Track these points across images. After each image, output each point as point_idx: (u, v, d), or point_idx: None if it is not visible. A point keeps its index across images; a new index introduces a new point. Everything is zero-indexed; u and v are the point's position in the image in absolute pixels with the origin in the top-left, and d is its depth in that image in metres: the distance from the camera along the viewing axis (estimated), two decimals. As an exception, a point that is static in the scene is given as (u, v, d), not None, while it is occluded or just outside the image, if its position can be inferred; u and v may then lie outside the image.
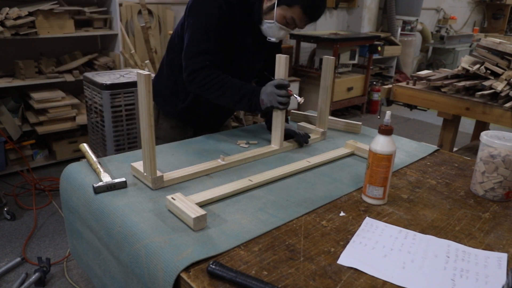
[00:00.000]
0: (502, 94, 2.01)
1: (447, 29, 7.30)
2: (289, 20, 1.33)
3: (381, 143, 1.02)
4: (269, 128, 1.49)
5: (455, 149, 2.65)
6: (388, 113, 1.03)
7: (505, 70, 2.11)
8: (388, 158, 1.02)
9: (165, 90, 1.57)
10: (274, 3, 1.32)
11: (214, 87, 1.35)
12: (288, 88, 1.31)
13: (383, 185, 1.04)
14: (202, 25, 1.35)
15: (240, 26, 1.41)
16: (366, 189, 1.07)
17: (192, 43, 1.37)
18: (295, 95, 1.32)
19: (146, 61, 3.28)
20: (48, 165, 3.27)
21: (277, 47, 1.58)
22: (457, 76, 2.29)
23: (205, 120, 1.63)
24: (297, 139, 1.44)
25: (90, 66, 3.36)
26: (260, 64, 1.58)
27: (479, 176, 1.13)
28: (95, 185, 1.05)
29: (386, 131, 1.02)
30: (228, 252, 0.84)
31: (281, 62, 1.26)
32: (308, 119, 1.66)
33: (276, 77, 1.31)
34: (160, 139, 1.59)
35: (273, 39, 1.41)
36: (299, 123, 1.61)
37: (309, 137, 1.47)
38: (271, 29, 1.38)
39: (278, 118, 1.34)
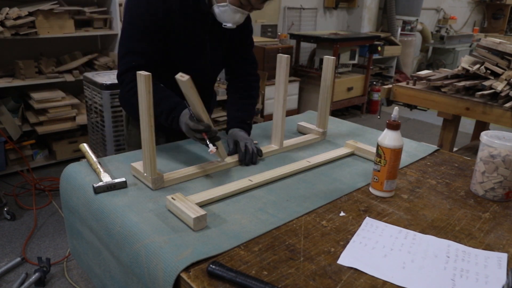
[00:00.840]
0: (502, 94, 2.01)
1: (447, 29, 7.30)
2: (243, 1, 1.24)
3: (394, 138, 1.08)
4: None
5: (455, 149, 2.65)
6: (396, 108, 1.09)
7: (505, 70, 2.11)
8: (401, 151, 1.10)
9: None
10: None
11: (136, 96, 1.16)
12: (203, 133, 1.13)
13: (396, 177, 1.11)
14: (130, 24, 1.26)
15: (192, 21, 1.30)
16: (384, 185, 1.10)
17: (120, 44, 1.29)
18: (208, 143, 1.12)
19: (146, 61, 3.28)
20: (48, 165, 3.27)
21: (243, 39, 1.48)
22: (457, 76, 2.29)
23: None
24: (240, 157, 1.26)
25: (90, 66, 3.36)
26: (221, 62, 1.49)
27: (479, 176, 1.13)
28: (95, 185, 1.05)
29: (396, 126, 1.09)
30: (228, 252, 0.84)
31: (282, 62, 1.26)
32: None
33: (276, 77, 1.30)
34: (131, 146, 1.53)
35: (229, 25, 1.30)
36: (299, 123, 1.61)
37: (261, 155, 1.30)
38: (225, 13, 1.26)
39: (278, 117, 1.34)
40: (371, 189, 1.14)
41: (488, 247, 0.90)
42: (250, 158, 1.26)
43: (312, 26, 5.31)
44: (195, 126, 1.12)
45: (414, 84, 2.43)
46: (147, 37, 1.26)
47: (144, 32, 1.25)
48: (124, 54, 1.27)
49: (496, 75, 2.13)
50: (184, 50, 1.34)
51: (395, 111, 1.09)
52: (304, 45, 5.01)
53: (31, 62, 3.03)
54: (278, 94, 1.30)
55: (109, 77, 2.63)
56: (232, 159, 1.25)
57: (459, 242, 0.91)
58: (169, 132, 1.48)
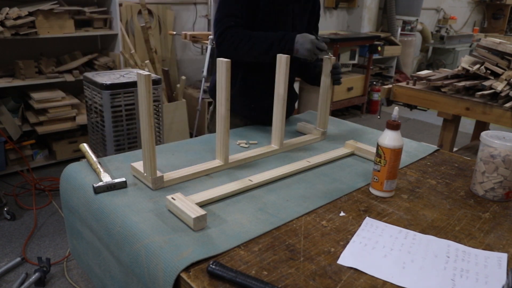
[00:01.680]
0: (502, 94, 2.01)
1: (447, 29, 7.30)
2: None
3: (394, 138, 1.08)
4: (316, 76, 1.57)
5: (455, 149, 2.65)
6: (396, 109, 1.10)
7: (505, 70, 2.11)
8: (401, 151, 1.10)
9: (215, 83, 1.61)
10: None
11: (242, 42, 1.38)
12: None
13: (396, 177, 1.12)
14: None
15: None
16: (384, 185, 1.10)
17: (218, 10, 1.43)
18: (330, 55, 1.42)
19: (146, 61, 3.28)
20: (48, 165, 3.27)
21: (317, 11, 1.65)
22: (457, 76, 2.29)
23: (256, 112, 1.63)
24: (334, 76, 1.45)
25: (90, 66, 3.36)
26: (304, 29, 1.59)
27: (479, 176, 1.13)
28: (95, 185, 1.05)
29: (396, 126, 1.09)
30: (228, 252, 0.84)
31: (282, 62, 1.26)
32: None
33: (276, 77, 1.30)
34: (211, 131, 1.65)
35: None
36: (299, 123, 1.61)
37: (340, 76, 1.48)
38: None
39: (278, 117, 1.34)
40: (371, 189, 1.14)
41: (488, 247, 0.90)
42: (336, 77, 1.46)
43: (312, 26, 5.31)
44: (319, 43, 1.36)
45: (414, 84, 2.43)
46: (245, 4, 1.41)
47: (243, 2, 1.41)
48: (222, 17, 1.42)
49: (496, 75, 2.13)
50: (272, 16, 1.47)
51: (395, 111, 1.10)
52: (304, 45, 5.00)
53: (31, 62, 3.03)
54: (278, 94, 1.30)
55: (109, 77, 2.63)
56: (232, 160, 1.25)
57: (459, 242, 0.91)
58: (247, 116, 1.65)
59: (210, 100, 2.43)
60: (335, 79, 1.45)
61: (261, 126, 1.65)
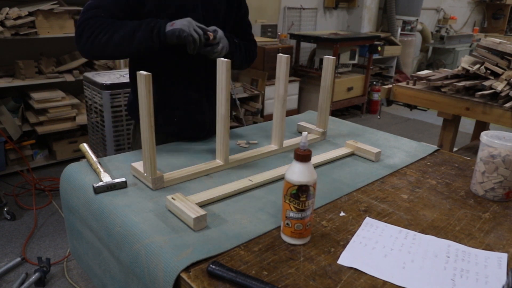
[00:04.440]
0: (502, 94, 2.01)
1: (447, 29, 7.30)
2: None
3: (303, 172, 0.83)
4: None
5: (455, 149, 2.66)
6: (305, 133, 0.85)
7: (505, 70, 2.11)
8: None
9: (133, 95, 1.45)
10: None
11: (104, 29, 1.15)
12: (209, 32, 1.17)
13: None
14: None
15: None
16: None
17: (88, 2, 1.22)
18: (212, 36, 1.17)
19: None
20: (48, 165, 3.27)
21: (240, 5, 1.45)
22: (457, 76, 2.29)
23: (181, 126, 1.41)
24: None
25: (90, 66, 3.36)
26: (221, 25, 1.37)
27: (479, 176, 1.13)
28: (95, 185, 1.05)
29: (305, 157, 0.83)
30: (228, 252, 0.84)
31: (282, 62, 1.26)
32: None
33: (276, 77, 1.29)
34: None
35: None
36: (299, 123, 1.61)
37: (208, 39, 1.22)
38: None
39: (278, 117, 1.34)
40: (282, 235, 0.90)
41: (488, 247, 0.90)
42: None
43: (312, 26, 5.31)
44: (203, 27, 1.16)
45: (414, 84, 2.43)
46: (121, 3, 1.20)
47: (114, 4, 1.20)
48: (86, 9, 1.20)
49: (496, 75, 2.13)
50: (168, 13, 1.25)
51: (303, 137, 0.84)
52: (304, 45, 5.01)
53: (31, 62, 3.03)
54: (278, 94, 1.30)
55: (109, 77, 2.63)
56: (232, 160, 1.25)
57: (459, 242, 0.91)
58: (167, 132, 1.43)
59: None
60: (206, 50, 1.22)
61: (261, 126, 1.65)
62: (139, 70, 0.97)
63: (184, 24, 1.14)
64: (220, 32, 1.25)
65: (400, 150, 1.45)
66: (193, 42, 1.16)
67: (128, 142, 2.65)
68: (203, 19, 1.31)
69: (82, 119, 3.20)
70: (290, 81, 4.26)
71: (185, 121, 1.41)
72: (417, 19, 5.93)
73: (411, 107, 5.37)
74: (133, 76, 1.39)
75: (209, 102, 1.41)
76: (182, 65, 1.35)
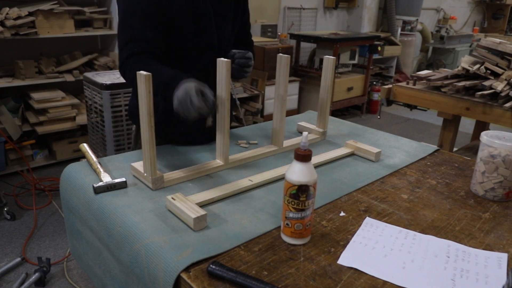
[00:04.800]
0: (502, 94, 2.01)
1: (447, 29, 7.30)
2: None
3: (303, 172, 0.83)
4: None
5: (455, 149, 2.66)
6: (305, 134, 0.85)
7: (505, 70, 2.11)
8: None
9: (135, 100, 1.38)
10: None
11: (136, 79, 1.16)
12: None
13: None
14: (128, 9, 1.19)
15: None
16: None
17: (119, 33, 1.21)
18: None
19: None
20: (48, 165, 3.27)
21: (245, 7, 1.46)
22: (457, 76, 2.29)
23: (186, 136, 1.40)
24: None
25: (90, 66, 3.36)
26: (230, 28, 1.40)
27: (479, 176, 1.13)
28: (95, 185, 1.05)
29: (305, 156, 0.83)
30: (228, 252, 0.84)
31: (282, 62, 1.26)
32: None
33: (276, 77, 1.29)
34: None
35: None
36: (299, 123, 1.61)
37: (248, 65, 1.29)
38: None
39: (278, 117, 1.34)
40: (282, 235, 0.91)
41: (488, 247, 0.90)
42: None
43: (312, 26, 5.31)
44: (204, 89, 1.05)
45: (414, 84, 2.43)
46: (149, 22, 1.18)
47: (146, 16, 1.18)
48: (124, 43, 1.19)
49: (496, 75, 2.13)
50: (189, 25, 1.26)
51: (304, 136, 0.85)
52: (304, 45, 5.01)
53: (31, 62, 3.03)
54: (278, 94, 1.30)
55: (109, 77, 2.63)
56: (232, 160, 1.25)
57: (459, 242, 0.91)
58: (172, 139, 1.42)
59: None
60: (238, 72, 1.27)
61: (261, 126, 1.65)
62: None
63: (181, 101, 1.04)
64: (249, 54, 1.30)
65: (400, 150, 1.45)
66: (194, 118, 1.06)
67: (128, 142, 2.65)
68: (215, 26, 1.33)
69: (82, 119, 3.20)
70: (290, 81, 4.26)
71: (192, 131, 1.37)
72: (417, 19, 5.93)
73: (411, 107, 5.38)
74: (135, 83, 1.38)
75: (214, 115, 1.37)
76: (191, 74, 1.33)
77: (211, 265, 0.77)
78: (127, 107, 2.55)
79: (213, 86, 1.37)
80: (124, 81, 2.53)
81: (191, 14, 1.26)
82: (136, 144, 1.51)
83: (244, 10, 1.48)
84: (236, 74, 1.29)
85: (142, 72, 0.97)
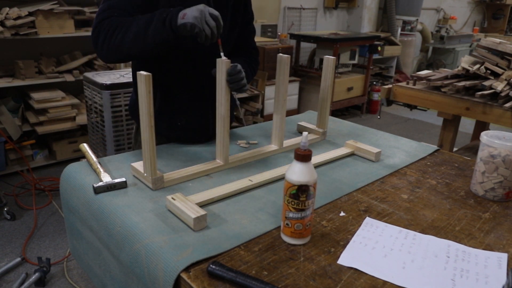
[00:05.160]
0: (502, 94, 2.01)
1: (447, 29, 7.30)
2: None
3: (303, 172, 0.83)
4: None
5: (455, 149, 2.66)
6: (305, 134, 0.85)
7: (505, 70, 2.11)
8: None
9: (135, 96, 1.42)
10: None
11: (117, 28, 1.11)
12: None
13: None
14: None
15: None
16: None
17: (102, 4, 1.18)
18: (221, 51, 1.14)
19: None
20: (48, 165, 3.27)
21: (246, 7, 1.41)
22: (457, 76, 2.29)
23: (184, 131, 1.39)
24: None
25: (90, 66, 3.36)
26: (228, 35, 1.36)
27: (479, 176, 1.13)
28: (95, 185, 1.05)
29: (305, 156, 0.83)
30: (228, 252, 0.84)
31: (282, 62, 1.26)
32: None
33: (276, 77, 1.30)
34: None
35: None
36: (299, 123, 1.61)
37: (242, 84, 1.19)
38: None
39: (278, 117, 1.34)
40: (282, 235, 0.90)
41: (488, 247, 0.90)
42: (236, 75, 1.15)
43: (312, 26, 5.31)
44: (211, 10, 1.08)
45: (414, 84, 2.43)
46: (135, 8, 1.17)
47: (130, 3, 1.17)
48: (102, 10, 1.16)
49: (496, 75, 2.13)
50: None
51: (304, 136, 0.84)
52: (304, 45, 5.01)
53: (31, 62, 3.03)
54: (278, 94, 1.30)
55: (109, 77, 2.63)
56: (232, 160, 1.25)
57: (459, 242, 0.91)
58: (173, 137, 1.42)
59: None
60: (233, 88, 1.17)
61: (261, 126, 1.65)
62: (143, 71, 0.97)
63: (196, 16, 1.06)
64: (239, 65, 1.19)
65: (400, 150, 1.45)
66: (205, 37, 1.09)
67: (128, 142, 2.65)
68: None
69: (82, 119, 3.20)
70: (290, 81, 4.26)
71: (188, 127, 1.39)
72: (417, 19, 5.93)
73: (411, 107, 5.37)
74: (135, 77, 1.37)
75: (213, 108, 1.36)
76: (188, 72, 1.32)
77: (211, 265, 0.77)
78: (127, 107, 2.55)
79: (208, 90, 1.36)
80: (124, 81, 2.53)
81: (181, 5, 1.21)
82: (136, 143, 1.51)
83: (245, 10, 1.43)
84: (232, 89, 1.20)
85: (142, 72, 0.97)
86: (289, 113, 1.67)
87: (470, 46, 6.69)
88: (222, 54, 1.13)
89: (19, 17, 2.78)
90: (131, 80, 2.57)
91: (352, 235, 0.92)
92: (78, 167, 1.20)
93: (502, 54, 2.16)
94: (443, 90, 2.26)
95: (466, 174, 1.28)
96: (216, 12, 1.09)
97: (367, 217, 1.00)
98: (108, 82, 2.50)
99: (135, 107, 1.40)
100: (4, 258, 2.21)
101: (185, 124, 1.38)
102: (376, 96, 5.31)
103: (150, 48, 1.13)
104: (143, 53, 1.16)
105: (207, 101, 1.38)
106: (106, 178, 1.09)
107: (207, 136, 1.43)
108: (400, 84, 2.49)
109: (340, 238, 0.91)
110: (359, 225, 0.96)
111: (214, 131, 1.22)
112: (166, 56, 1.26)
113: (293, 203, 0.84)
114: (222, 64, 1.10)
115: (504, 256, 0.86)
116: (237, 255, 0.83)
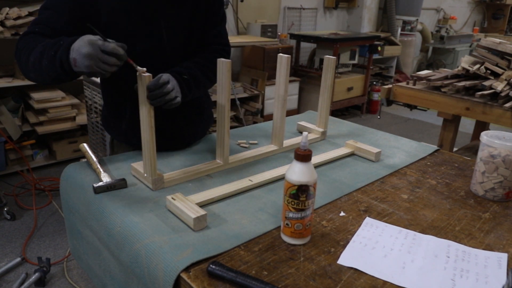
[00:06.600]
0: (502, 94, 2.01)
1: (447, 29, 7.30)
2: None
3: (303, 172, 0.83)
4: None
5: (455, 149, 2.66)
6: (305, 134, 0.84)
7: (505, 70, 2.11)
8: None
9: (106, 110, 1.37)
10: None
11: (24, 50, 1.00)
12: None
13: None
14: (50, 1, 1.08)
15: None
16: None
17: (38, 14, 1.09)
18: (136, 66, 0.97)
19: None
20: (48, 165, 3.27)
21: (213, 9, 1.27)
22: (457, 76, 2.29)
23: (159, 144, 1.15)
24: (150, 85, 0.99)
25: (90, 66, 3.36)
26: (184, 32, 1.23)
27: (479, 176, 1.13)
28: (95, 185, 1.05)
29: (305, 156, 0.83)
30: (228, 252, 0.84)
31: (282, 62, 1.26)
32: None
33: (276, 77, 1.30)
34: None
35: None
36: (299, 123, 1.61)
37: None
38: None
39: (278, 117, 1.34)
40: (282, 235, 0.90)
41: (488, 247, 0.90)
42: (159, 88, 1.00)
43: (312, 26, 5.31)
44: (114, 48, 0.89)
45: (414, 84, 2.43)
46: (65, 10, 1.06)
47: (62, 5, 1.07)
48: (30, 25, 1.07)
49: (496, 75, 2.13)
50: (120, 24, 1.11)
51: (304, 136, 0.84)
52: (304, 45, 5.01)
53: (31, 62, 3.03)
54: (278, 94, 1.30)
55: (109, 77, 2.63)
56: (232, 160, 1.25)
57: (459, 242, 0.91)
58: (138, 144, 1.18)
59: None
60: (156, 104, 1.01)
61: (261, 126, 1.65)
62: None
63: (88, 65, 0.90)
64: (165, 76, 1.05)
65: (400, 150, 1.45)
66: (110, 72, 0.94)
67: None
68: (165, 30, 1.19)
69: (82, 119, 3.19)
70: (290, 81, 4.26)
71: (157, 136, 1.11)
72: (417, 19, 5.93)
73: (411, 107, 5.36)
74: (104, 90, 1.35)
75: (162, 121, 1.22)
76: (130, 85, 1.10)
77: (211, 265, 0.77)
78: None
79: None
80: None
81: (124, 13, 1.11)
82: (112, 152, 1.46)
83: (213, 13, 1.29)
84: (155, 105, 1.02)
85: (143, 74, 0.97)
86: (289, 113, 1.67)
87: (470, 46, 6.69)
88: (138, 68, 0.97)
89: (19, 17, 2.78)
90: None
91: (352, 235, 0.92)
92: (78, 167, 1.20)
93: (502, 54, 2.16)
94: (443, 90, 2.26)
95: (466, 174, 1.28)
96: (109, 46, 0.90)
97: (367, 217, 1.00)
98: (108, 82, 2.50)
99: (107, 121, 1.39)
100: (4, 258, 2.21)
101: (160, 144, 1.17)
102: (376, 96, 5.31)
103: (52, 81, 1.03)
104: (55, 82, 1.05)
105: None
106: (106, 178, 1.09)
107: (183, 143, 1.36)
108: (400, 84, 2.49)
109: (340, 238, 0.91)
110: (359, 225, 0.96)
111: (192, 137, 1.22)
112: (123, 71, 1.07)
113: (293, 203, 0.84)
114: (223, 64, 1.10)
115: (504, 256, 0.86)
116: (237, 255, 0.83)
